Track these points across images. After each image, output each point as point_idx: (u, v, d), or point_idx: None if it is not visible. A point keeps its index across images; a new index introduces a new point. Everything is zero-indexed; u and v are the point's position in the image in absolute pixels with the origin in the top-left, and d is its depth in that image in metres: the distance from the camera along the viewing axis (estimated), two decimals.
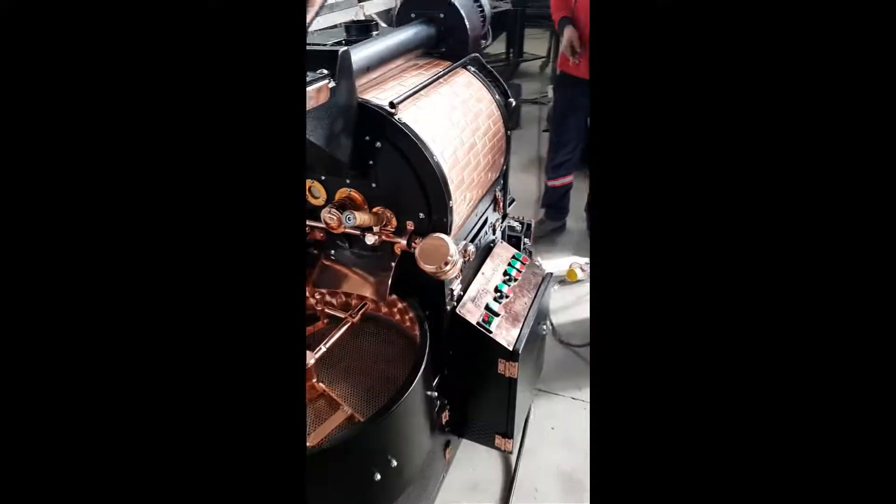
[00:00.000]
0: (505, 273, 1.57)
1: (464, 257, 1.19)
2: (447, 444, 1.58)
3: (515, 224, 2.10)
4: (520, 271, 1.61)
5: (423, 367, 1.10)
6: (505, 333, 1.41)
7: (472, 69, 1.46)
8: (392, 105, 1.07)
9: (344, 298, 1.42)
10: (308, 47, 0.98)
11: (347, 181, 1.19)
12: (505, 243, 1.68)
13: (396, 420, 1.08)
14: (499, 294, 1.49)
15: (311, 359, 1.14)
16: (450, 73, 1.36)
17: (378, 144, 1.11)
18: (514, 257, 1.64)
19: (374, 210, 1.19)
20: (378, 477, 1.02)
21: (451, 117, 1.25)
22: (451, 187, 1.18)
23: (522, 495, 1.69)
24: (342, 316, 1.29)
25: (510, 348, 1.38)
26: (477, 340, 1.38)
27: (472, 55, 1.45)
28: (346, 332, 1.25)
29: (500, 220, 1.70)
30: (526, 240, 2.16)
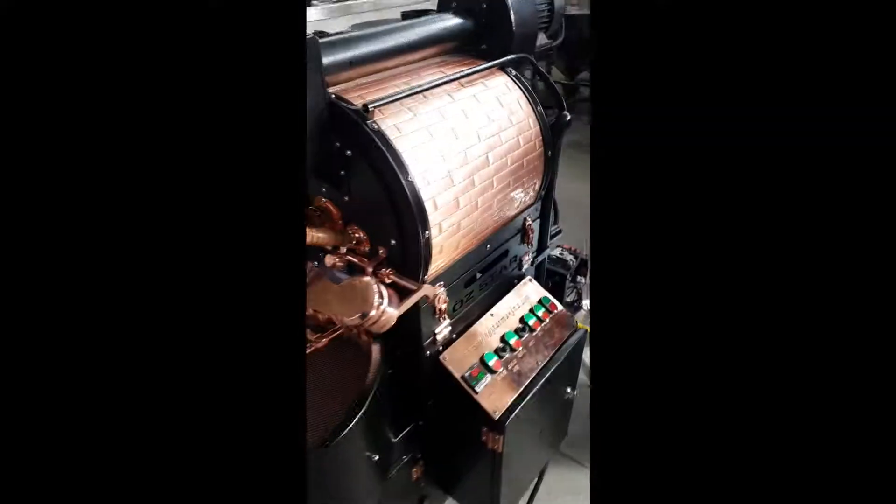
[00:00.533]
0: (521, 320, 1.30)
1: (434, 308, 0.96)
2: (422, 500, 1.37)
3: (569, 257, 1.79)
4: (541, 320, 1.33)
5: (349, 427, 0.91)
6: (496, 397, 1.15)
7: (514, 73, 1.21)
8: (366, 108, 0.88)
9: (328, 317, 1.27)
10: None
11: (323, 189, 1.03)
12: (534, 282, 1.40)
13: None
14: (503, 346, 1.23)
15: None
16: (476, 76, 1.13)
17: (349, 153, 0.93)
18: (540, 301, 1.36)
19: (340, 228, 1.02)
20: None
21: (457, 129, 1.02)
22: (437, 214, 0.96)
23: None
24: (311, 338, 1.15)
25: (495, 417, 1.12)
26: (457, 399, 1.15)
27: (518, 56, 1.20)
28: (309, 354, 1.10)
29: (533, 254, 1.42)
30: (580, 278, 1.84)
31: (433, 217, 0.96)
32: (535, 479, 1.64)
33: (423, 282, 1.01)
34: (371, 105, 0.89)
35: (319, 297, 0.97)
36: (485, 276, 1.24)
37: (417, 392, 1.20)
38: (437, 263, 1.03)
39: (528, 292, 1.38)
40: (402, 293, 0.95)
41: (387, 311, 0.84)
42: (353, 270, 1.04)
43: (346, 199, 1.00)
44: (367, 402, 0.95)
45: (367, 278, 0.87)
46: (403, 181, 0.89)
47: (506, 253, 1.29)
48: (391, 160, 0.89)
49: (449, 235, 1.02)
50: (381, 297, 0.83)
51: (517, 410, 1.15)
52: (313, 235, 0.93)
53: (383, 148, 0.89)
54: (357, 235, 1.01)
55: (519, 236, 1.32)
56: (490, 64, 1.15)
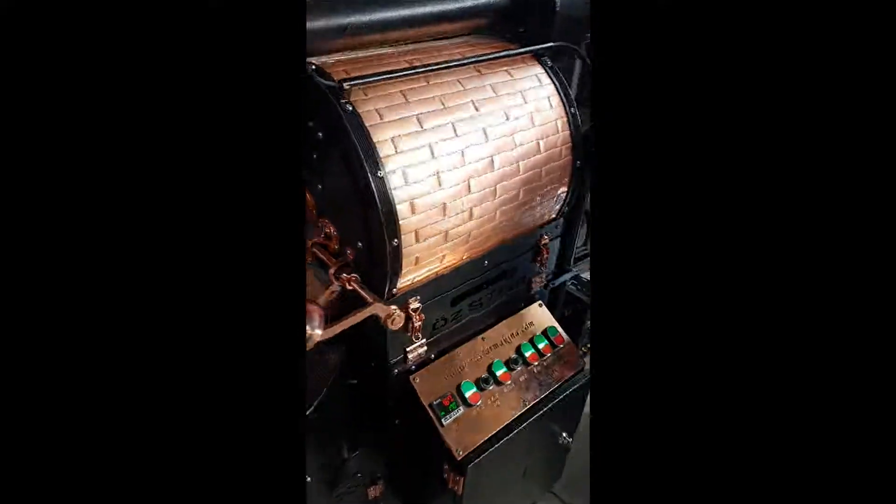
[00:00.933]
0: (517, 350, 1.14)
1: (406, 329, 0.83)
2: None
3: None
4: (541, 354, 1.15)
5: None
6: (464, 434, 1.01)
7: (551, 65, 1.01)
8: (341, 85, 0.75)
9: None
10: None
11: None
12: (544, 309, 1.22)
13: None
14: (488, 376, 1.08)
15: None
16: (501, 62, 0.96)
17: (320, 134, 0.80)
18: (544, 332, 1.18)
19: (312, 219, 0.90)
20: None
21: (459, 123, 0.86)
22: (414, 219, 0.81)
23: None
24: None
25: (457, 457, 0.98)
26: (421, 428, 1.01)
27: (558, 44, 1.00)
28: None
29: (548, 276, 1.24)
30: None
31: (408, 222, 0.81)
32: None
33: (391, 294, 0.87)
34: (349, 82, 0.76)
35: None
36: (479, 294, 1.08)
37: (382, 409, 1.07)
38: (413, 276, 0.89)
39: (534, 319, 1.20)
40: (358, 305, 0.83)
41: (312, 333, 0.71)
42: (321, 267, 0.92)
43: (320, 187, 0.88)
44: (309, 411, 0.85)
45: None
46: (370, 176, 0.75)
47: (511, 272, 1.12)
48: (359, 149, 0.75)
49: (430, 246, 0.87)
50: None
51: (486, 454, 1.00)
52: None
53: (352, 134, 0.75)
54: (327, 230, 0.89)
55: (530, 255, 1.14)
56: (521, 50, 0.97)
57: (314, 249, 0.90)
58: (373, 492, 1.17)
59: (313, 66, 0.80)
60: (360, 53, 0.91)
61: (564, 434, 1.24)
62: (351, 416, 1.07)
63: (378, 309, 0.80)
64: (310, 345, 0.73)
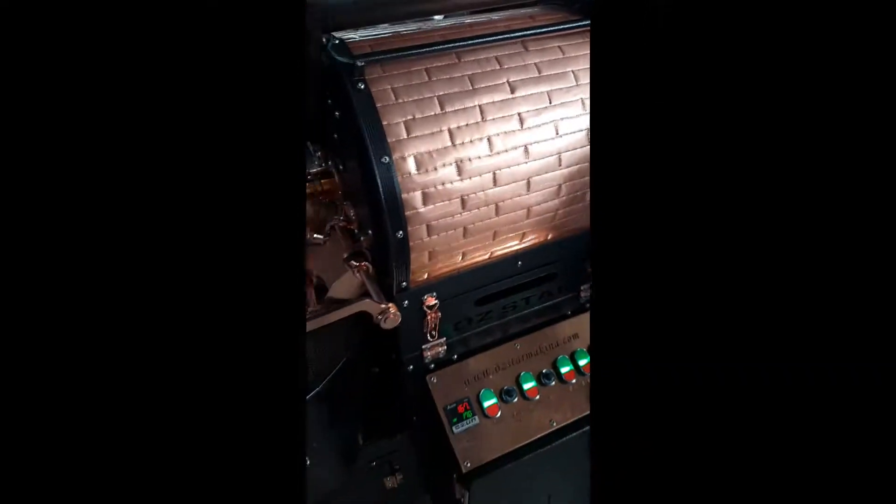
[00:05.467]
0: (553, 364, 1.02)
1: (421, 326, 0.77)
2: None
3: None
4: (581, 373, 1.02)
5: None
6: (476, 446, 0.93)
7: None
8: (354, 61, 0.70)
9: None
10: None
11: (329, 153, 0.89)
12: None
13: None
14: (514, 388, 0.98)
15: None
16: (553, 38, 0.83)
17: (337, 114, 0.76)
18: (588, 348, 1.05)
19: (339, 200, 0.87)
20: None
21: (488, 106, 0.77)
22: (427, 210, 0.75)
23: None
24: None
25: (463, 469, 0.91)
26: (433, 429, 0.96)
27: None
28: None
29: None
30: None
31: (419, 214, 0.75)
32: None
33: (403, 289, 0.82)
34: (365, 59, 0.70)
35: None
36: (513, 297, 0.98)
37: (400, 402, 1.04)
38: (429, 268, 0.83)
39: (579, 331, 1.07)
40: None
41: None
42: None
43: (341, 167, 0.85)
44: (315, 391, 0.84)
45: None
46: (374, 161, 0.70)
47: (552, 277, 1.00)
48: (364, 131, 0.69)
49: (446, 241, 0.80)
50: None
51: (498, 471, 0.92)
52: None
53: (358, 114, 0.70)
54: (348, 213, 0.86)
55: (578, 259, 1.01)
56: (577, 23, 0.84)
57: (336, 229, 0.88)
58: (390, 482, 1.15)
59: (337, 41, 0.76)
60: (399, 27, 0.85)
61: None
62: (368, 404, 1.05)
63: (368, 306, 0.75)
64: None
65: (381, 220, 0.73)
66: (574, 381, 1.02)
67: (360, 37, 0.80)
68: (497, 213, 0.82)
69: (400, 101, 0.73)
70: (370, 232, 0.79)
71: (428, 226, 0.77)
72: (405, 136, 0.72)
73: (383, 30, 0.84)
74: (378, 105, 0.71)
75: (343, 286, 0.85)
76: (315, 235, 0.86)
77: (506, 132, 0.78)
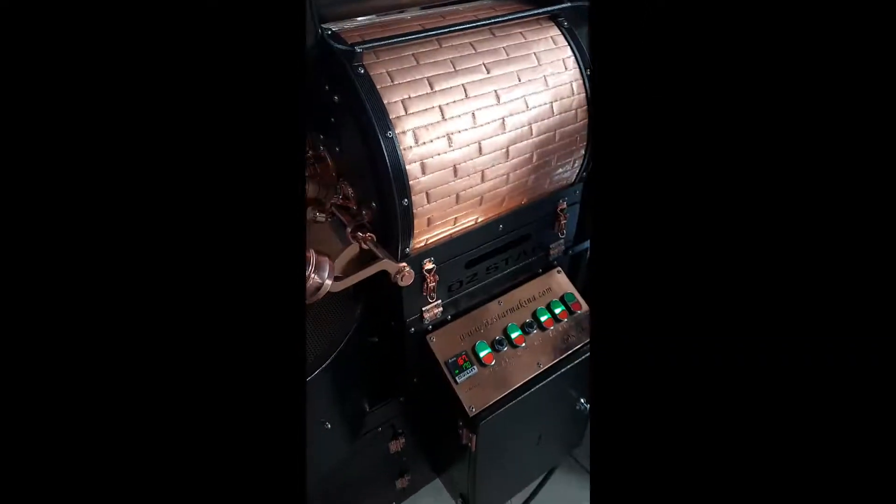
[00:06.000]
0: (533, 314, 1.16)
1: (421, 289, 0.86)
2: (401, 474, 1.33)
3: None
4: (557, 319, 1.16)
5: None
6: (478, 392, 1.04)
7: (568, 26, 1.01)
8: (353, 49, 0.78)
9: None
10: None
11: (321, 137, 0.95)
12: (562, 275, 1.23)
13: None
14: (503, 338, 1.10)
15: None
16: (516, 25, 0.96)
17: (336, 98, 0.84)
18: (562, 298, 1.19)
19: (332, 181, 0.94)
20: None
21: (470, 85, 0.88)
22: (426, 179, 0.84)
23: None
24: None
25: (470, 413, 1.02)
26: (437, 385, 1.06)
27: (576, 3, 1.00)
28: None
29: (568, 245, 1.24)
30: None
31: (419, 182, 0.84)
32: (539, 480, 1.52)
33: (405, 255, 0.91)
34: (362, 46, 0.79)
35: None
36: (495, 258, 1.10)
37: (402, 367, 1.12)
38: (427, 236, 0.93)
39: (552, 285, 1.22)
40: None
41: (312, 278, 0.76)
42: (342, 227, 0.97)
43: (338, 149, 0.92)
44: (327, 362, 0.90)
45: None
46: (380, 136, 0.78)
47: (527, 237, 1.13)
48: (370, 110, 0.78)
49: (442, 207, 0.90)
50: (307, 264, 0.75)
51: (499, 412, 1.03)
52: None
53: (363, 95, 0.78)
54: (346, 191, 0.94)
55: (548, 221, 1.15)
56: (535, 11, 0.97)
57: (334, 209, 0.95)
58: (394, 446, 1.24)
59: (329, 31, 0.84)
60: (376, 19, 0.94)
61: (582, 400, 1.26)
62: (372, 372, 1.13)
63: (387, 265, 0.84)
64: (321, 294, 0.78)
65: (387, 190, 0.82)
66: (552, 327, 1.16)
67: (348, 28, 0.88)
68: (483, 180, 0.93)
69: (395, 82, 0.82)
70: (374, 204, 0.88)
71: (427, 193, 0.86)
72: (403, 114, 0.81)
73: (363, 21, 0.93)
74: (378, 87, 0.80)
75: (345, 259, 0.93)
76: (318, 214, 0.92)
77: (486, 107, 0.89)
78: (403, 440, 1.24)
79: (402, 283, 0.86)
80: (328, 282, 0.78)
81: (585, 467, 1.61)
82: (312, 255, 0.77)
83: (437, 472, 1.41)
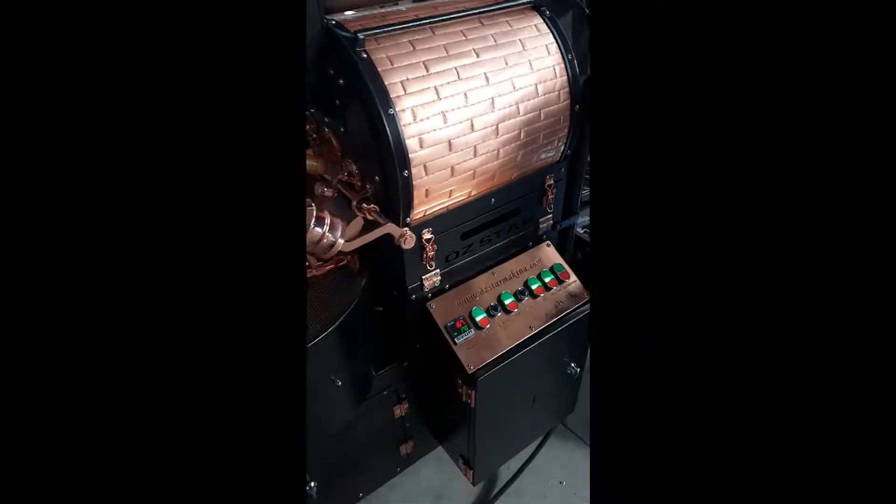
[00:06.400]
0: (525, 283, 1.25)
1: (420, 253, 0.95)
2: (405, 439, 1.42)
3: None
4: (547, 287, 1.26)
5: (319, 337, 0.95)
6: (475, 352, 1.13)
7: (549, 15, 1.10)
8: (356, 36, 0.87)
9: None
10: None
11: (326, 119, 1.04)
12: (551, 248, 1.33)
13: None
14: (497, 305, 1.20)
15: None
16: (502, 14, 1.05)
17: (341, 82, 0.93)
18: (551, 268, 1.29)
19: (337, 160, 1.03)
20: None
21: (462, 68, 0.97)
22: (423, 153, 0.94)
23: None
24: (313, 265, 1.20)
25: (469, 371, 1.11)
26: (438, 347, 1.15)
27: None
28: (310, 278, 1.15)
29: (556, 219, 1.34)
30: None
31: (417, 156, 0.93)
32: (536, 446, 1.61)
33: (406, 224, 1.00)
34: (364, 33, 0.88)
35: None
36: (488, 231, 1.20)
37: (404, 334, 1.21)
38: (424, 208, 1.02)
39: (542, 257, 1.31)
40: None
41: (327, 236, 0.85)
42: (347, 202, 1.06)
43: (343, 129, 1.01)
44: (336, 324, 0.99)
45: (310, 207, 0.88)
46: (382, 113, 0.87)
47: (517, 211, 1.23)
48: (372, 91, 0.87)
49: (438, 179, 0.99)
50: (322, 224, 0.84)
51: (495, 369, 1.12)
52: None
53: (366, 77, 0.87)
54: (351, 168, 1.03)
55: (536, 195, 1.25)
56: (520, 2, 1.06)
57: (339, 186, 1.04)
58: (398, 410, 1.32)
59: (333, 21, 0.93)
60: (375, 10, 1.03)
61: (573, 364, 1.35)
62: (377, 340, 1.22)
63: (391, 229, 0.93)
64: (334, 252, 0.87)
65: (390, 162, 0.91)
66: (542, 295, 1.25)
67: (349, 18, 0.97)
68: (475, 155, 1.02)
69: (395, 66, 0.91)
70: (377, 178, 0.97)
71: (424, 166, 0.95)
72: (403, 93, 0.90)
73: (363, 13, 1.02)
74: (379, 69, 0.89)
75: (353, 229, 1.02)
76: (325, 190, 1.01)
77: (476, 87, 0.98)
78: (407, 405, 1.33)
79: (404, 246, 0.95)
80: (340, 241, 0.87)
81: (579, 435, 1.70)
82: (327, 216, 0.86)
83: (439, 440, 1.50)
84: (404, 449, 1.43)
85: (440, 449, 1.54)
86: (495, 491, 1.55)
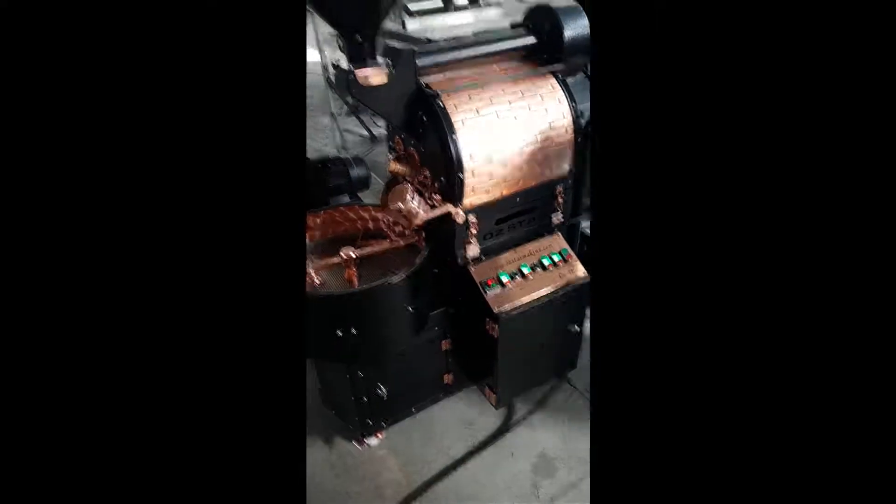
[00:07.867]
0: (538, 260, 1.77)
1: (465, 230, 1.52)
2: (447, 370, 1.94)
3: None
4: (555, 265, 1.78)
5: (401, 279, 1.50)
6: (500, 300, 1.66)
7: (561, 78, 1.65)
8: (435, 93, 1.45)
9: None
10: (396, 44, 1.45)
11: (412, 141, 1.63)
12: (559, 237, 1.84)
13: (363, 298, 1.50)
14: (517, 272, 1.73)
15: (352, 252, 1.66)
16: (528, 78, 1.62)
17: (424, 119, 1.52)
18: (560, 251, 1.81)
19: (417, 167, 1.62)
20: (339, 334, 1.50)
21: (500, 111, 1.54)
22: (471, 162, 1.50)
23: (499, 450, 1.93)
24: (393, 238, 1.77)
25: (494, 310, 1.64)
26: (474, 296, 1.69)
27: (564, 66, 1.64)
28: (387, 247, 1.71)
29: (564, 217, 1.86)
30: None
31: (469, 164, 1.50)
32: (545, 390, 2.08)
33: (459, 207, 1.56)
34: (441, 91, 1.46)
35: (396, 194, 1.57)
36: (514, 220, 1.74)
37: (452, 288, 1.76)
38: (471, 199, 1.58)
39: (552, 243, 1.83)
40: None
41: (412, 208, 1.42)
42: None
43: (422, 149, 1.59)
44: (412, 271, 1.54)
45: (406, 185, 1.46)
46: (449, 137, 1.45)
47: (535, 209, 1.76)
48: (444, 124, 1.45)
49: (480, 180, 1.55)
50: (413, 199, 1.42)
51: (514, 312, 1.64)
52: (396, 167, 1.56)
53: (441, 116, 1.45)
54: (426, 173, 1.61)
55: (550, 199, 1.78)
56: (542, 70, 1.62)
57: (417, 185, 1.61)
58: (444, 344, 1.86)
59: (425, 84, 1.52)
60: (448, 74, 1.62)
61: (576, 326, 1.85)
62: (432, 291, 1.76)
63: (448, 208, 1.50)
64: (417, 221, 1.44)
65: (451, 169, 1.48)
66: (551, 269, 1.77)
67: (432, 80, 1.56)
68: (505, 167, 1.57)
69: (458, 110, 1.49)
70: (442, 179, 1.54)
71: (472, 172, 1.51)
72: (462, 126, 1.48)
73: (438, 76, 1.61)
74: (449, 112, 1.47)
75: (428, 211, 1.58)
76: (409, 187, 1.60)
77: (509, 124, 1.54)
78: (450, 341, 1.86)
79: (458, 221, 1.51)
80: (421, 212, 1.45)
81: (578, 388, 2.16)
82: (415, 193, 1.44)
83: (471, 379, 2.01)
84: (447, 378, 1.96)
85: (471, 394, 2.05)
86: (513, 419, 2.04)
